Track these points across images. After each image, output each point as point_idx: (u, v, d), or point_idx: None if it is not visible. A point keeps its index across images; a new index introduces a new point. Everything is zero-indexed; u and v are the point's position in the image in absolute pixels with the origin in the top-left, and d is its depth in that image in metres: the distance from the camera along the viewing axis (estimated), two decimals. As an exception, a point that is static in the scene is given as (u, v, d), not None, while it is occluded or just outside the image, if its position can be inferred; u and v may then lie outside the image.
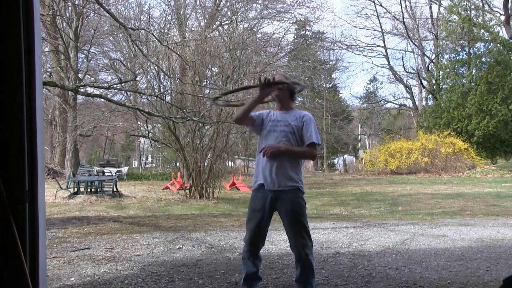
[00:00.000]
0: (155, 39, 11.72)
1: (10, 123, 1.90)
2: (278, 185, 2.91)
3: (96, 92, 11.84)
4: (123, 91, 18.17)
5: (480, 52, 26.10)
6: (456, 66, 26.27)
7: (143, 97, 15.12)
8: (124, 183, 17.81)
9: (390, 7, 49.52)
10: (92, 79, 22.53)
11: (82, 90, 10.99)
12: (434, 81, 27.80)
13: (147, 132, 15.76)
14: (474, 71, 25.55)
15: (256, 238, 2.99)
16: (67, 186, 11.79)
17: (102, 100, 17.31)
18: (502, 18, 21.17)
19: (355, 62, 73.05)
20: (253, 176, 3.11)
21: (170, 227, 6.52)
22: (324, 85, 33.01)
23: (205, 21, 20.10)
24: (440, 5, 28.76)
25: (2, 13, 1.91)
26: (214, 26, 19.44)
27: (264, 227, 3.00)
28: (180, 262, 4.25)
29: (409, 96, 33.11)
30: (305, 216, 2.97)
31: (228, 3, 20.36)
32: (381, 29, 32.02)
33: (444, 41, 27.76)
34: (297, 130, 3.00)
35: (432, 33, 30.26)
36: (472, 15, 25.96)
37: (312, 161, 31.97)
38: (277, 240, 5.20)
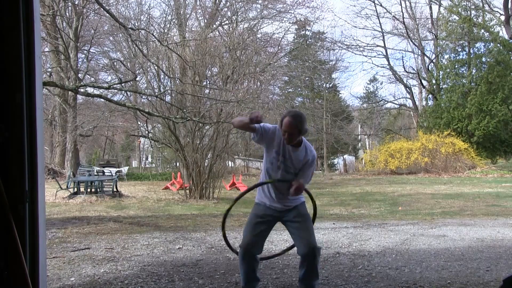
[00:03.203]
0: (155, 39, 11.72)
1: (10, 123, 1.90)
2: (283, 205, 3.01)
3: (96, 92, 11.85)
4: (123, 91, 18.15)
5: (480, 52, 26.06)
6: (456, 66, 26.24)
7: (143, 97, 15.11)
8: (124, 183, 17.79)
9: (390, 7, 49.08)
10: (92, 79, 22.53)
11: (82, 90, 10.99)
12: (434, 81, 27.78)
13: (147, 132, 15.74)
14: (474, 71, 25.51)
15: (256, 245, 2.99)
16: (67, 186, 11.78)
17: (102, 100, 17.30)
18: (502, 18, 21.17)
19: (355, 62, 73.19)
20: (258, 193, 3.11)
21: (170, 227, 6.52)
22: (324, 85, 32.98)
23: (205, 21, 20.09)
24: (440, 5, 28.73)
25: (2, 13, 1.91)
26: (214, 26, 19.44)
27: (266, 235, 3.05)
28: (180, 262, 4.25)
29: (409, 96, 33.08)
30: (311, 222, 3.10)
31: (228, 3, 20.37)
32: (381, 29, 31.93)
33: (444, 41, 27.72)
34: (298, 169, 2.99)
35: (432, 33, 30.22)
36: (472, 15, 25.93)
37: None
38: (277, 240, 5.20)
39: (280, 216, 3.03)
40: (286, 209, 3.01)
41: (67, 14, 20.06)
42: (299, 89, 33.04)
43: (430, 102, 28.73)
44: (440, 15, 28.68)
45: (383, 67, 38.54)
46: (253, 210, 3.09)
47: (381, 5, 31.81)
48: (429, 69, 29.81)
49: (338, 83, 38.03)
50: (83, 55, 23.41)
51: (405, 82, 32.61)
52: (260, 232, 2.99)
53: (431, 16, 30.28)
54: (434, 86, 27.80)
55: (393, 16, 31.37)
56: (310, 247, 2.92)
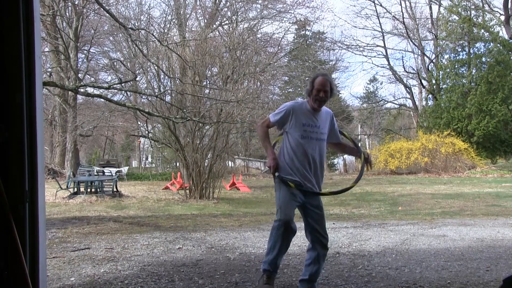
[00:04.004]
0: (155, 39, 11.72)
1: (10, 123, 1.90)
2: (315, 187, 2.98)
3: (96, 92, 11.86)
4: (123, 91, 18.16)
5: (480, 52, 26.05)
6: (456, 66, 26.23)
7: (143, 97, 15.12)
8: (124, 183, 17.79)
9: (390, 7, 49.08)
10: (92, 79, 22.55)
11: (82, 90, 11.00)
12: (434, 81, 27.77)
13: (147, 132, 15.74)
14: (474, 71, 25.51)
15: (292, 219, 2.89)
16: (67, 186, 11.79)
17: (102, 100, 17.30)
18: (502, 18, 21.18)
19: (355, 62, 73.27)
20: (283, 167, 2.96)
21: (170, 227, 6.52)
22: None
23: (205, 21, 20.11)
24: (440, 5, 28.74)
25: (2, 13, 1.91)
26: (214, 26, 19.45)
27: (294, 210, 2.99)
28: (180, 262, 4.25)
29: (409, 96, 33.08)
30: None
31: (228, 3, 20.39)
32: (381, 29, 31.92)
33: (444, 41, 27.72)
34: (327, 133, 3.08)
35: (432, 33, 30.22)
36: (472, 15, 25.93)
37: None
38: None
39: (303, 199, 2.93)
40: (313, 190, 2.95)
41: (67, 14, 20.09)
42: (299, 89, 33.02)
43: (430, 102, 28.72)
44: (440, 15, 28.68)
45: (383, 67, 38.60)
46: (283, 188, 2.91)
47: (381, 5, 31.84)
48: (429, 69, 29.81)
49: (338, 83, 38.01)
50: (83, 55, 23.48)
51: (405, 82, 32.63)
52: (294, 208, 2.91)
53: (431, 16, 30.29)
54: (434, 86, 27.79)
55: (393, 16, 31.39)
56: (325, 244, 2.97)
